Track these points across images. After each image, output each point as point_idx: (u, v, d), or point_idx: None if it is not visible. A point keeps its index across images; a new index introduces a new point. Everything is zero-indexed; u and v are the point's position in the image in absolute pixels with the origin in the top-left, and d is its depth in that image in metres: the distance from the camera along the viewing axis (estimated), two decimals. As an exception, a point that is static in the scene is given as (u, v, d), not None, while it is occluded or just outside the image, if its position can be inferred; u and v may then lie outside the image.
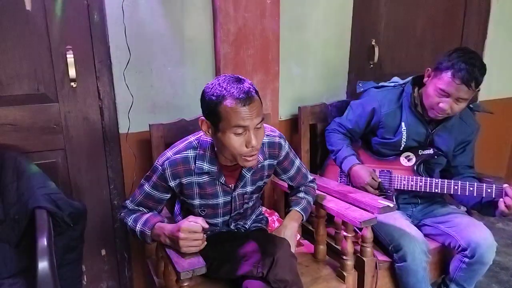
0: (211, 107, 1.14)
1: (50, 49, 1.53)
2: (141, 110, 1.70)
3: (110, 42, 1.59)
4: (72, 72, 1.54)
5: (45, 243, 1.24)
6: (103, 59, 1.60)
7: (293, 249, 1.31)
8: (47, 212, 1.38)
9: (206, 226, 1.18)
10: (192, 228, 1.15)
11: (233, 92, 1.11)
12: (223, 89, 1.13)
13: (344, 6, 2.12)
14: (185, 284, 1.11)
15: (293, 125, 2.07)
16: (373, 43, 2.23)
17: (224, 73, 1.79)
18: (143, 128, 1.70)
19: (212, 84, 1.17)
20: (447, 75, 1.49)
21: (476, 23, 2.64)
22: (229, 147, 1.16)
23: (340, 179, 1.88)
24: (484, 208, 1.64)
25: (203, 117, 1.20)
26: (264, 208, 1.84)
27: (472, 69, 1.47)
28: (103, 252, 1.83)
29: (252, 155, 1.19)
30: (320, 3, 2.03)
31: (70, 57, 1.53)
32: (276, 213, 1.90)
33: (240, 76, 1.18)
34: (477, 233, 1.57)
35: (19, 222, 1.43)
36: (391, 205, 1.43)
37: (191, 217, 1.18)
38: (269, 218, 1.73)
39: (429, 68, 1.60)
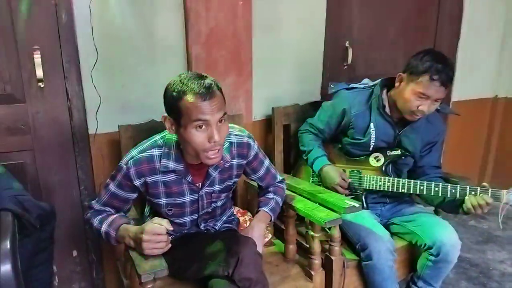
0: (172, 103, 1.15)
1: (17, 49, 1.51)
2: (111, 110, 1.69)
3: (78, 42, 1.58)
4: (39, 73, 1.53)
5: (8, 246, 1.22)
6: (71, 59, 1.59)
7: (259, 249, 1.33)
8: (12, 214, 1.37)
9: (170, 228, 1.18)
10: (156, 230, 1.15)
11: (193, 88, 1.12)
12: (183, 85, 1.14)
13: (318, 8, 2.15)
14: (148, 286, 1.11)
15: (267, 125, 2.08)
16: (346, 44, 2.26)
17: (196, 73, 1.80)
18: (113, 128, 1.69)
19: (174, 80, 1.18)
20: (425, 79, 1.52)
21: (449, 25, 2.70)
22: (191, 143, 1.16)
23: (312, 179, 1.90)
24: (447, 207, 1.68)
25: (165, 114, 1.20)
26: (237, 208, 1.85)
27: (447, 69, 1.53)
28: (75, 253, 1.81)
29: (215, 151, 1.19)
30: (293, 5, 2.05)
31: (37, 57, 1.52)
32: (248, 213, 1.91)
33: (203, 73, 1.19)
34: (442, 232, 1.62)
35: (-16, 224, 1.41)
36: (357, 205, 1.46)
37: (156, 219, 1.19)
38: (242, 218, 1.74)
39: (401, 74, 1.63)
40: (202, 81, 1.14)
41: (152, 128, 1.65)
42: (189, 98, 1.12)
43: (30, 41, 1.52)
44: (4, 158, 1.57)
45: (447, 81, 1.53)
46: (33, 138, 1.61)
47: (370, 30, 2.36)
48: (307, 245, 1.69)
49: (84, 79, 1.62)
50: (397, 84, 1.66)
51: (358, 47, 2.31)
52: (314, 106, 2.06)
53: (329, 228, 1.51)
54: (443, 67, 1.51)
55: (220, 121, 1.17)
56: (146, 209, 1.53)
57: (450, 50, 2.69)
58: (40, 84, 1.56)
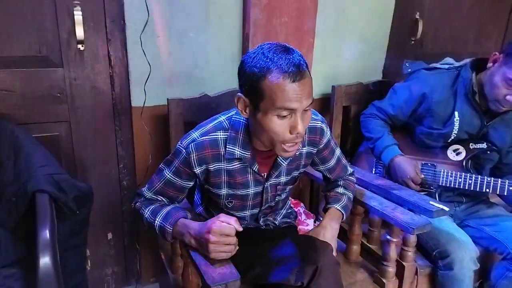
0: (253, 81, 0.93)
1: (55, 4, 1.29)
2: (157, 81, 1.48)
3: (125, -1, 1.35)
4: (79, 32, 1.32)
5: (48, 235, 1.06)
6: (115, 18, 1.37)
7: (334, 253, 1.14)
8: (50, 197, 1.19)
9: (240, 228, 0.99)
10: (225, 231, 0.96)
11: (280, 64, 0.90)
12: (268, 60, 0.91)
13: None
14: (216, 297, 0.93)
15: (324, 105, 1.85)
16: (417, 16, 1.98)
17: (253, 42, 1.57)
18: (157, 102, 1.49)
19: (254, 53, 0.95)
20: None
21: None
22: (269, 132, 0.96)
23: (375, 170, 1.69)
24: None
25: (240, 94, 0.99)
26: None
27: None
28: (109, 236, 1.66)
29: (295, 144, 0.99)
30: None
31: (77, 14, 1.30)
32: (301, 204, 1.72)
33: (288, 45, 0.96)
34: (531, 241, 1.40)
35: (16, 205, 1.24)
36: (446, 208, 1.24)
37: (222, 216, 0.99)
38: (295, 210, 1.55)
39: (497, 53, 1.37)
40: (291, 56, 0.91)
41: (205, 104, 1.45)
42: (275, 78, 0.90)
43: (70, -6, 1.30)
44: (38, 130, 1.40)
45: None
46: (70, 108, 1.42)
47: (443, 3, 2.06)
48: (370, 245, 1.52)
49: (129, 43, 1.40)
50: (489, 64, 1.41)
51: (428, 21, 2.02)
52: (380, 87, 1.83)
53: (402, 230, 1.31)
54: None
55: (306, 109, 0.96)
56: (197, 197, 1.34)
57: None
58: (79, 46, 1.35)
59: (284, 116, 0.94)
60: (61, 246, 1.25)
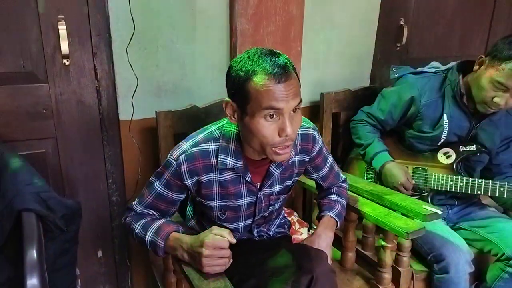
0: (238, 84, 0.92)
1: (39, 19, 1.27)
2: (144, 93, 1.46)
3: (110, 12, 1.34)
4: (64, 47, 1.29)
5: (35, 255, 1.02)
6: (101, 32, 1.35)
7: (330, 262, 1.12)
8: (36, 216, 1.16)
9: (234, 240, 0.97)
10: (218, 244, 0.94)
11: (265, 66, 0.90)
12: (253, 63, 0.91)
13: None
14: (210, 312, 0.91)
15: (313, 113, 1.85)
16: (401, 22, 2.01)
17: (241, 52, 1.56)
18: (146, 114, 1.47)
19: (240, 58, 0.95)
20: (507, 66, 1.28)
21: (507, 8, 2.42)
22: (258, 135, 0.94)
23: (367, 176, 1.69)
24: None
25: (227, 99, 0.98)
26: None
27: None
28: (100, 253, 1.62)
29: (286, 147, 0.97)
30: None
31: (62, 29, 1.28)
32: (295, 213, 1.71)
33: (275, 50, 0.96)
34: (525, 242, 1.41)
35: (2, 224, 1.20)
36: (439, 211, 1.24)
37: (215, 229, 0.98)
38: (289, 219, 1.53)
39: (482, 56, 1.39)
40: (276, 58, 0.91)
41: (194, 116, 1.44)
42: (260, 79, 0.89)
43: (54, 9, 1.28)
44: (23, 147, 1.36)
45: None
46: (56, 124, 1.39)
47: (426, 8, 2.09)
48: (365, 252, 1.51)
49: (115, 56, 1.38)
50: (475, 67, 1.42)
51: (413, 26, 2.05)
52: (368, 93, 1.83)
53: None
54: None
55: (294, 110, 0.95)
56: (189, 210, 1.32)
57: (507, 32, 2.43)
58: (64, 61, 1.33)
59: (272, 117, 0.92)
60: (50, 266, 1.22)
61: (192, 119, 1.42)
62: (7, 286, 1.19)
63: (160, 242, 1.02)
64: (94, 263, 1.62)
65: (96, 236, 1.58)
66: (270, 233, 1.29)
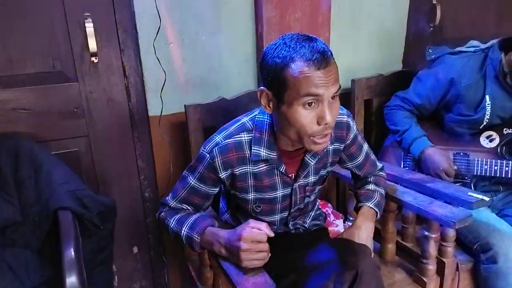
0: (275, 72, 0.89)
1: (66, 17, 1.28)
2: (172, 88, 1.45)
3: (135, 7, 1.32)
4: (92, 45, 1.29)
5: (72, 254, 1.03)
6: (127, 28, 1.35)
7: (372, 255, 1.08)
8: (72, 214, 1.17)
9: (272, 234, 0.94)
10: (256, 237, 0.92)
11: (304, 53, 0.86)
12: (290, 49, 0.87)
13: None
14: (251, 309, 0.88)
15: (344, 101, 1.77)
16: (434, 1, 1.90)
17: (268, 41, 1.52)
18: (175, 109, 1.46)
19: (276, 44, 0.91)
20: None
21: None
22: (296, 125, 0.91)
23: (404, 164, 1.62)
24: None
25: (262, 87, 0.94)
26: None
27: None
28: (135, 249, 1.63)
29: (324, 136, 0.93)
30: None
31: (89, 27, 1.28)
32: (329, 204, 1.66)
33: (310, 34, 0.91)
34: None
35: (40, 224, 1.22)
36: (486, 198, 1.17)
37: (251, 222, 0.95)
38: (324, 211, 1.49)
39: None
40: (314, 43, 0.87)
41: (223, 108, 1.41)
42: (299, 66, 0.85)
43: (80, 7, 1.28)
44: (57, 147, 1.37)
45: None
46: (88, 123, 1.40)
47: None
48: (405, 243, 1.45)
49: (142, 51, 1.37)
50: None
51: (447, 4, 1.94)
52: (401, 77, 1.76)
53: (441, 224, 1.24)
54: None
55: (333, 97, 0.90)
56: (222, 204, 1.30)
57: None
58: (93, 59, 1.33)
59: (310, 106, 0.89)
60: (88, 264, 1.23)
61: (221, 111, 1.40)
62: (47, 286, 1.21)
63: (196, 237, 1.00)
64: (130, 260, 1.63)
65: (131, 232, 1.59)
66: (306, 225, 1.26)
